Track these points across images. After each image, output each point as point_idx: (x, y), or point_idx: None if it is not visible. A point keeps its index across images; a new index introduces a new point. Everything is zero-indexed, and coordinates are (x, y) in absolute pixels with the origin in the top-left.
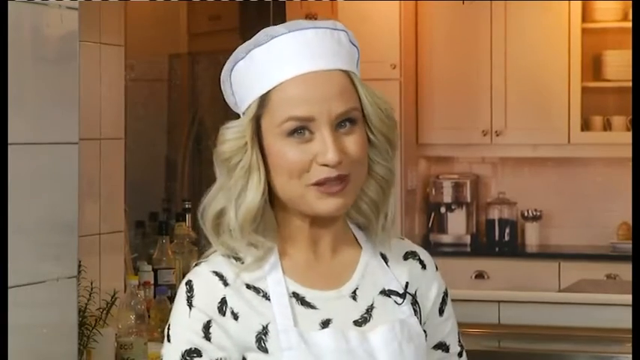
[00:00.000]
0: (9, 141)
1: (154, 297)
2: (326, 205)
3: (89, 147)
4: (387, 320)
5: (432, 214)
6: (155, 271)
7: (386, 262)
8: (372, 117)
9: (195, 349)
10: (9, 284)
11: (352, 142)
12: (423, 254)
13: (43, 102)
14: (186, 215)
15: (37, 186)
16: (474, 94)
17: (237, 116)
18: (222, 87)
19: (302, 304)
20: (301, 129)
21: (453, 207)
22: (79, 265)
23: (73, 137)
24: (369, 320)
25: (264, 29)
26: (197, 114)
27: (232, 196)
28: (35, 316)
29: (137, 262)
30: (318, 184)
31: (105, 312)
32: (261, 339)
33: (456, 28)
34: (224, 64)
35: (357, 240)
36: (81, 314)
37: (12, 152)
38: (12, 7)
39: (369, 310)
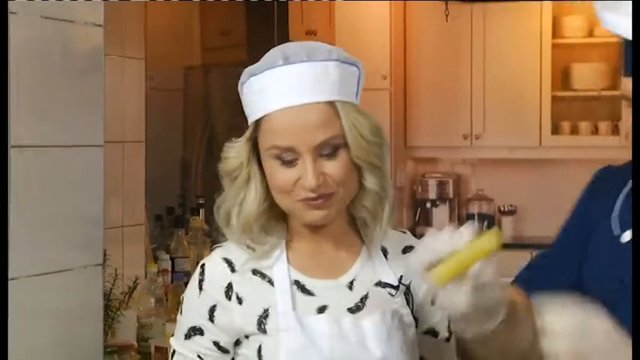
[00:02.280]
0: (43, 144)
1: (172, 282)
2: (312, 216)
3: (113, 149)
4: (379, 310)
5: (419, 209)
6: (172, 259)
7: (385, 256)
8: (351, 144)
9: (198, 327)
10: (42, 272)
11: (333, 167)
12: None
13: (72, 109)
14: (200, 210)
15: (67, 184)
16: (456, 102)
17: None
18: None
19: (302, 291)
20: (286, 154)
21: (437, 203)
22: (105, 254)
23: (99, 140)
24: (362, 309)
25: (266, 55)
26: (209, 120)
27: (235, 203)
28: (65, 300)
29: (156, 251)
30: (303, 200)
31: (127, 296)
32: (262, 321)
33: (441, 43)
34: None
35: (360, 235)
36: (106, 298)
37: (45, 154)
38: (44, 25)
39: (363, 299)
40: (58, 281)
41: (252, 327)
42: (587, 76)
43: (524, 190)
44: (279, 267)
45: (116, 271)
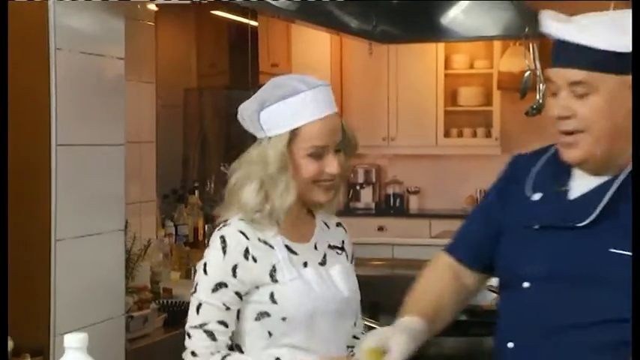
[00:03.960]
0: (80, 143)
1: (175, 243)
2: (325, 195)
3: (132, 148)
4: (335, 262)
5: (351, 190)
6: (175, 226)
7: (328, 228)
8: (350, 145)
9: (224, 282)
10: (81, 234)
11: (341, 159)
12: (344, 224)
13: (102, 118)
14: (195, 191)
15: (98, 172)
16: (378, 114)
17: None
18: (242, 119)
19: (290, 252)
20: (319, 150)
21: (363, 185)
22: (126, 222)
23: (121, 141)
24: (326, 263)
25: (289, 84)
26: (202, 128)
27: (275, 195)
28: (98, 255)
29: (164, 220)
30: (322, 182)
31: (143, 252)
32: (273, 274)
33: (367, 71)
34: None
35: (312, 214)
36: (127, 253)
37: (81, 150)
38: (82, 58)
39: (325, 256)
40: (92, 241)
41: (266, 278)
42: (469, 96)
43: (426, 176)
44: (274, 235)
45: (134, 234)
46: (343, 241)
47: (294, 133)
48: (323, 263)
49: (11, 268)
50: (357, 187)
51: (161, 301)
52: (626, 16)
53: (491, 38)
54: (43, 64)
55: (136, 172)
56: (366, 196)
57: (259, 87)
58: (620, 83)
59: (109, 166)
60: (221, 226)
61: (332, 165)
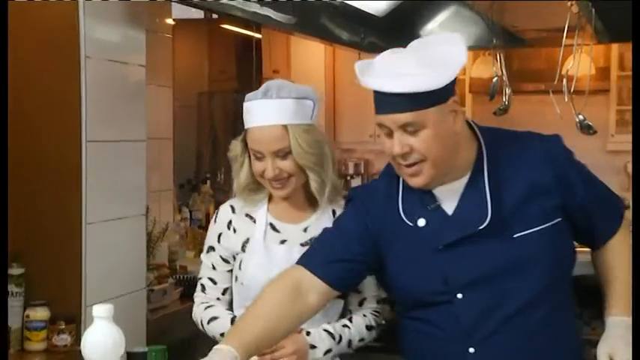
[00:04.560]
0: (107, 139)
1: (190, 226)
2: (275, 192)
3: (153, 143)
4: None
5: (343, 180)
6: (190, 211)
7: (334, 215)
8: (294, 152)
9: (212, 246)
10: (108, 218)
11: (284, 165)
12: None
13: (126, 118)
14: (207, 181)
15: (122, 164)
16: (365, 114)
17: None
18: None
19: (273, 229)
20: (258, 154)
21: (353, 176)
22: (147, 208)
23: (143, 137)
24: (309, 244)
25: (252, 93)
26: (213, 126)
27: (235, 176)
28: (123, 236)
29: (180, 206)
30: (269, 181)
31: (162, 234)
32: (245, 245)
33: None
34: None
35: (317, 200)
36: (148, 235)
37: (109, 145)
38: (109, 65)
39: (311, 240)
40: (117, 225)
41: (239, 248)
42: None
43: None
44: (261, 213)
45: (154, 218)
46: None
47: (246, 133)
48: (305, 244)
49: (48, 248)
50: (348, 178)
51: (178, 277)
52: (430, 47)
53: None
54: (74, 70)
55: (156, 164)
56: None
57: None
58: (440, 111)
59: (132, 159)
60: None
61: (268, 168)
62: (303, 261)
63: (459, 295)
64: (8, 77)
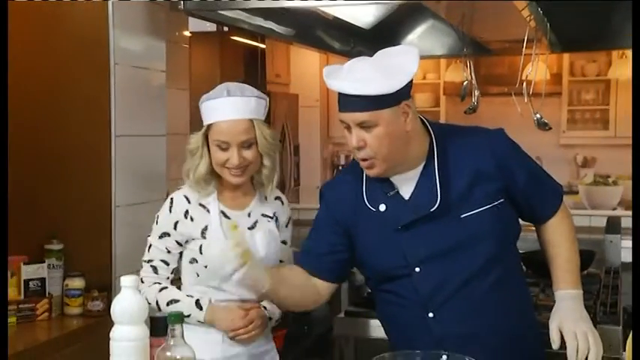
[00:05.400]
0: (133, 134)
1: None
2: (234, 179)
3: (171, 138)
4: (263, 228)
5: (335, 169)
6: None
7: (266, 200)
8: (259, 142)
9: (167, 232)
10: (133, 202)
11: (248, 154)
12: (283, 198)
13: (148, 116)
14: None
15: (145, 155)
16: None
17: None
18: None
19: (224, 216)
20: (223, 144)
21: (344, 166)
22: (167, 193)
23: (163, 132)
24: (255, 227)
25: (217, 88)
26: None
27: (192, 167)
28: (145, 218)
29: None
30: (229, 170)
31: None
32: (204, 232)
33: None
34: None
35: (254, 188)
36: None
37: (134, 139)
38: (133, 70)
39: (255, 223)
40: (141, 207)
41: (197, 234)
42: (422, 100)
43: None
44: (213, 202)
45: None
46: (275, 212)
47: (209, 127)
48: (252, 228)
49: (83, 227)
50: (340, 167)
51: None
52: (388, 57)
53: (438, 57)
54: (104, 75)
55: (174, 156)
56: None
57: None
58: (393, 112)
59: (154, 151)
60: (176, 190)
61: (233, 157)
62: (300, 261)
63: (417, 269)
64: (8, 78)
